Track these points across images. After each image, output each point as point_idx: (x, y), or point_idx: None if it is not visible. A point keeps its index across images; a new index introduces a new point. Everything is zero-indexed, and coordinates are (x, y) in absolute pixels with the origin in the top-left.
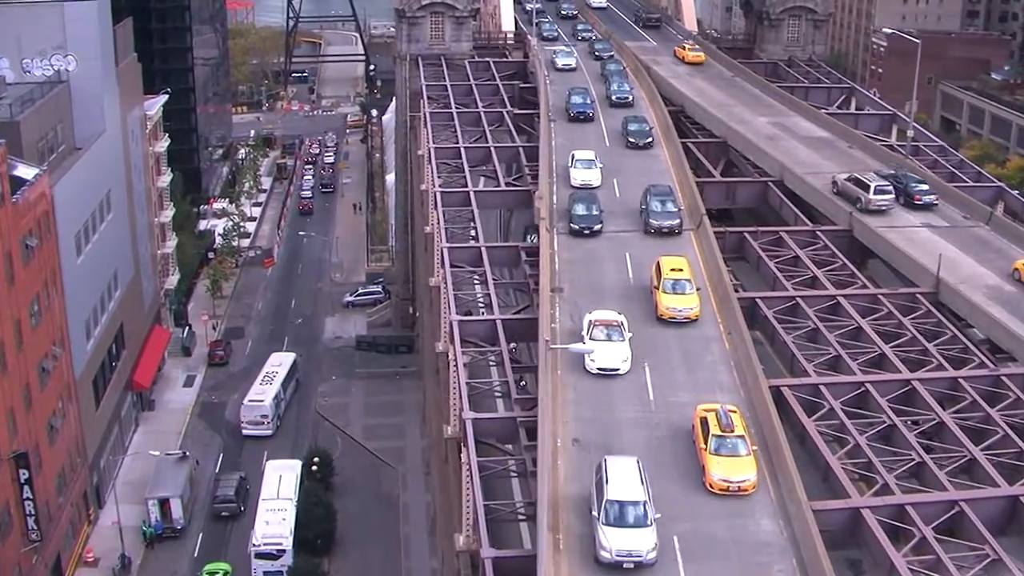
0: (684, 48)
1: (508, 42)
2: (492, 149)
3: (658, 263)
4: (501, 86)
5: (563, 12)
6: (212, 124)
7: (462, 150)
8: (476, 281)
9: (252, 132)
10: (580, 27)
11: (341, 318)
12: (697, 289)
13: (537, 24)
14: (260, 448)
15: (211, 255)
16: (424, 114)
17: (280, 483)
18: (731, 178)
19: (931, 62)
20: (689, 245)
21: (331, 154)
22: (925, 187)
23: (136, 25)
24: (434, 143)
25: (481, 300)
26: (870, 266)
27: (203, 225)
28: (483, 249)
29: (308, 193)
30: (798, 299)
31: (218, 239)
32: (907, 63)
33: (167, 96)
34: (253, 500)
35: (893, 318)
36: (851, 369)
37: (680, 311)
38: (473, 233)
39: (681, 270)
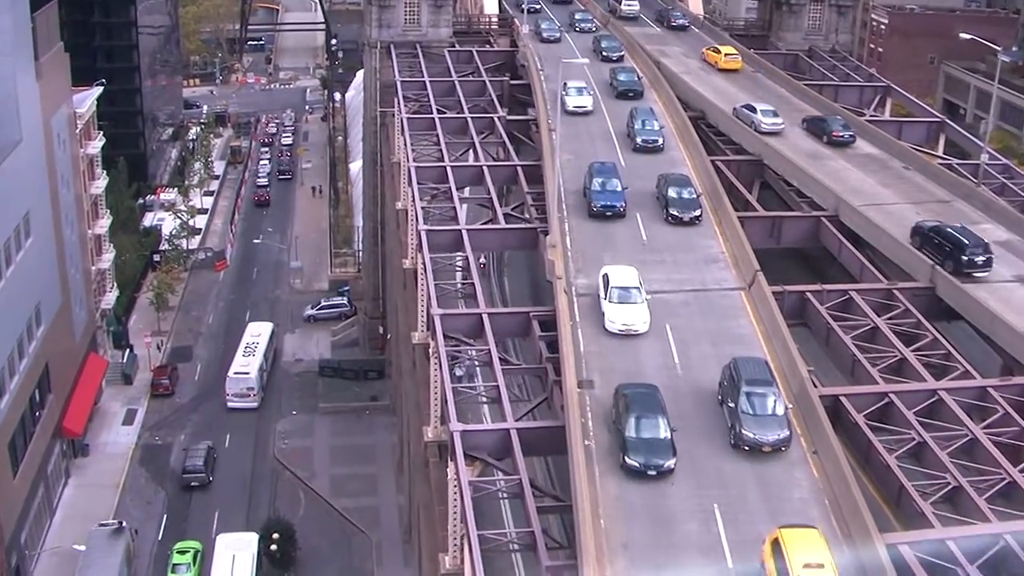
0: None
1: (492, 27)
2: (485, 169)
3: (777, 541)
4: (488, 83)
5: None
6: (160, 101)
7: (448, 170)
8: (478, 363)
9: (205, 108)
10: (578, 16)
11: (302, 335)
12: None
13: (529, 11)
14: (211, 506)
15: (156, 257)
16: (401, 120)
17: (233, 567)
18: (775, 212)
19: (933, 41)
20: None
21: (289, 135)
22: (679, 13)
23: None
24: (414, 158)
25: (484, 395)
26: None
27: (149, 219)
28: (485, 316)
29: (264, 181)
30: (891, 396)
31: (164, 243)
32: (909, 42)
33: (101, 88)
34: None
35: (1012, 423)
36: (978, 507)
37: None
38: (462, 285)
39: (822, 566)
